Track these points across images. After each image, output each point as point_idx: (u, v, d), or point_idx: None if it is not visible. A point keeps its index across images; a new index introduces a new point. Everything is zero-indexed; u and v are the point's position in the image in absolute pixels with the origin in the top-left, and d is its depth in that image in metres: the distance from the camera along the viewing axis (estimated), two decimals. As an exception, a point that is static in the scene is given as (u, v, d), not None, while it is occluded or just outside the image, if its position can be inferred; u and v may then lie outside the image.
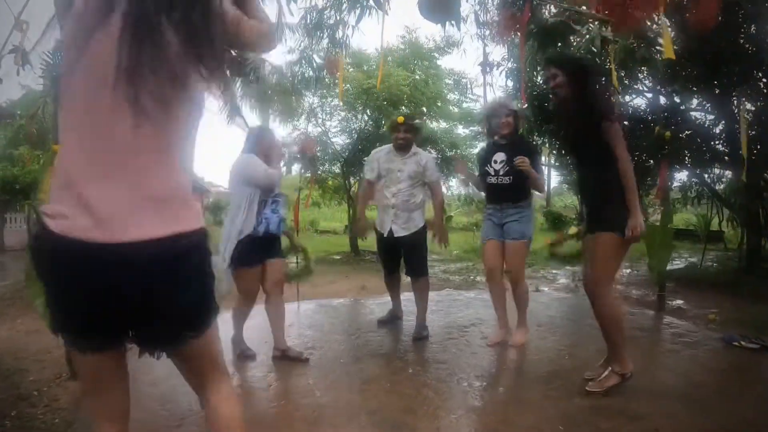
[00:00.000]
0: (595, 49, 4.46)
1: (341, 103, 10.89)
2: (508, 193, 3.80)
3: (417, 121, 4.12)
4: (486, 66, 6.32)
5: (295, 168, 6.86)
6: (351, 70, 11.43)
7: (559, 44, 4.93)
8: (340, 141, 12.27)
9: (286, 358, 3.56)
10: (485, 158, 3.94)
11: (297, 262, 3.96)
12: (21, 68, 3.40)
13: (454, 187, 15.06)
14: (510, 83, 7.58)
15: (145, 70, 1.07)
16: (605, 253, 2.80)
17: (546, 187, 13.93)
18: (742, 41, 5.85)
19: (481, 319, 4.73)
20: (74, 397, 2.96)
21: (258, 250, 3.41)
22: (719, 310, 5.23)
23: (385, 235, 4.21)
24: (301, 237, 15.96)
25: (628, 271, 9.29)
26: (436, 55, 11.90)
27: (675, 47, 3.49)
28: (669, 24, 3.47)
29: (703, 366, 3.52)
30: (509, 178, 3.76)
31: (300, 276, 4.03)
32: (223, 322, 3.55)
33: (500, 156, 3.82)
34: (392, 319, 4.56)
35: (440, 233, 4.26)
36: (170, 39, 1.10)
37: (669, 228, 5.08)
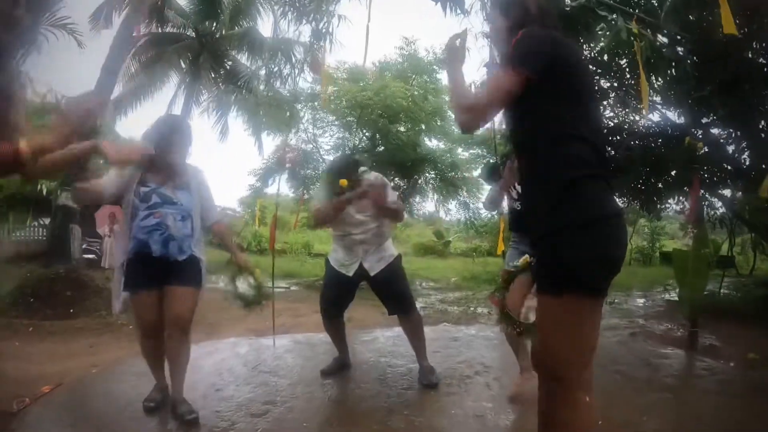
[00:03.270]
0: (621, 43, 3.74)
1: (325, 109, 10.27)
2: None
3: (361, 170, 3.53)
4: (493, 67, 5.61)
5: (273, 183, 6.15)
6: (346, 83, 10.90)
7: (581, 38, 4.26)
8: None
9: (174, 412, 2.79)
10: (508, 180, 3.23)
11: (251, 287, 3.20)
12: None
13: (453, 211, 14.45)
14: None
15: None
16: (568, 319, 1.58)
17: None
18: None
19: (486, 365, 3.87)
20: None
21: (152, 271, 2.74)
22: (756, 347, 4.56)
23: (350, 275, 3.48)
24: (292, 260, 15.49)
25: (643, 300, 8.59)
26: (437, 68, 11.30)
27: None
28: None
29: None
30: None
31: (249, 304, 3.25)
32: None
33: None
34: (339, 368, 3.73)
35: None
36: None
37: (704, 253, 4.33)
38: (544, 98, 1.56)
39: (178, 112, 15.04)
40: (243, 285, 3.19)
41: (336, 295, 3.58)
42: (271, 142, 12.80)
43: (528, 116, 1.62)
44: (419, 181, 12.53)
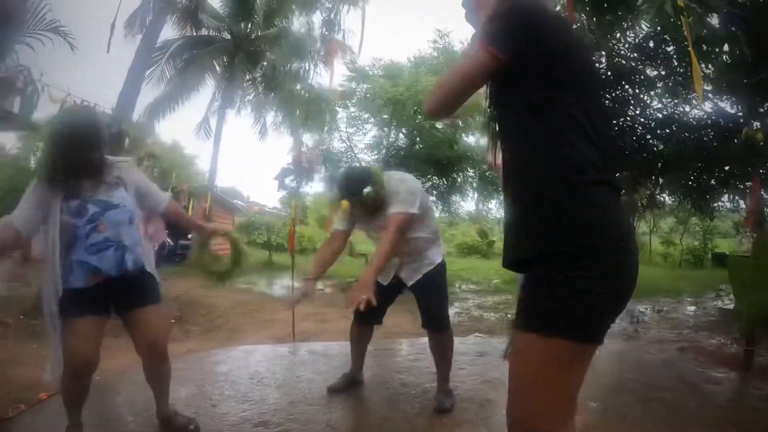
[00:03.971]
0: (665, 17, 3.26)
1: (337, 101, 10.05)
2: None
3: (366, 191, 2.84)
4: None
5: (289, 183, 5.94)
6: (381, 79, 10.70)
7: (619, 11, 3.81)
8: (368, 158, 11.46)
9: (170, 428, 2.61)
10: None
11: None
12: None
13: (493, 210, 14.03)
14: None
15: None
16: (545, 366, 1.24)
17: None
18: None
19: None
20: None
21: (101, 294, 2.30)
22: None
23: (385, 284, 3.09)
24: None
25: (693, 308, 7.95)
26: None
27: None
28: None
29: None
30: None
31: (223, 275, 2.98)
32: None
33: None
34: (348, 385, 3.39)
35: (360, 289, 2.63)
36: None
37: (766, 263, 3.78)
38: (529, 84, 1.25)
39: (215, 113, 15.23)
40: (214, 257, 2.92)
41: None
42: (309, 140, 12.75)
43: (510, 106, 1.31)
44: (458, 180, 12.18)
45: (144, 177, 2.61)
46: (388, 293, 3.07)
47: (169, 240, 2.72)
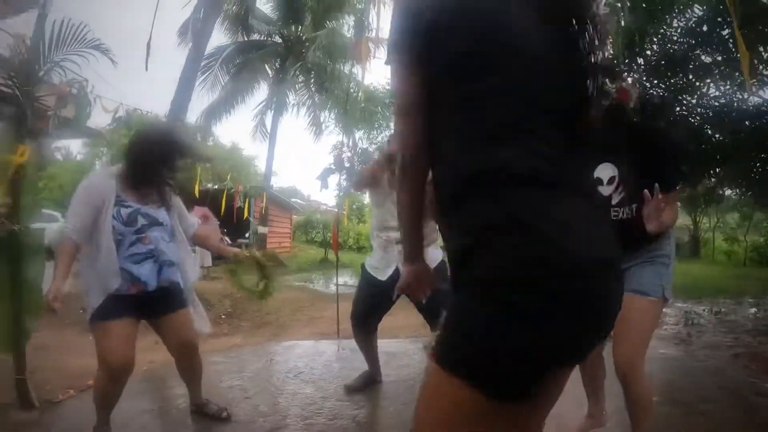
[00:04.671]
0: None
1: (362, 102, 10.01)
2: (631, 233, 1.92)
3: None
4: None
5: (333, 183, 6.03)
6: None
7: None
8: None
9: (202, 414, 2.82)
10: None
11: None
12: None
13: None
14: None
15: None
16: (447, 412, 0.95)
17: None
18: None
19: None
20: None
21: (130, 300, 2.39)
22: None
23: (384, 279, 3.13)
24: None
25: (755, 310, 7.43)
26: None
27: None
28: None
29: None
30: (629, 211, 2.04)
31: (260, 297, 3.11)
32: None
33: (607, 170, 2.09)
34: (367, 384, 3.44)
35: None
36: None
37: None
38: (446, 80, 0.99)
39: (270, 115, 15.67)
40: (250, 278, 3.04)
41: (369, 303, 3.25)
42: (364, 139, 12.88)
43: (435, 113, 1.03)
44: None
45: (180, 202, 2.74)
46: (386, 292, 2.81)
47: (227, 239, 2.85)
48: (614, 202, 2.05)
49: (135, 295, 2.38)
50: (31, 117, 3.01)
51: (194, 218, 2.83)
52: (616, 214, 2.05)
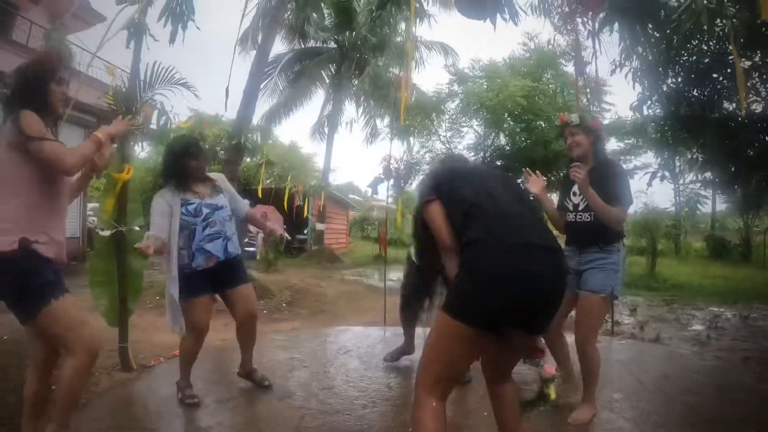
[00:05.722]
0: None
1: (402, 125, 10.46)
2: (589, 234, 2.98)
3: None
4: (582, 67, 5.39)
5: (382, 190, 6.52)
6: (478, 81, 11.02)
7: (650, 24, 3.89)
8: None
9: (249, 379, 3.41)
10: (564, 190, 3.24)
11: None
12: None
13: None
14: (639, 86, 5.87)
15: None
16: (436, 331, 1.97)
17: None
18: None
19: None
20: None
21: (207, 279, 3.12)
22: None
23: None
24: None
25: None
26: (563, 61, 10.88)
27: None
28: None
29: None
30: (590, 215, 2.97)
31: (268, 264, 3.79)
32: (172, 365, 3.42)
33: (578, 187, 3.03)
34: (402, 355, 4.08)
35: None
36: None
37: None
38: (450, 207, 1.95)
39: (326, 119, 16.43)
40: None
41: (413, 287, 3.68)
42: (416, 143, 13.33)
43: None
44: (553, 180, 12.22)
45: (231, 187, 3.43)
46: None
47: (287, 235, 3.31)
48: (581, 208, 3.03)
49: (210, 269, 3.06)
50: (132, 139, 3.82)
51: (245, 201, 3.47)
52: (581, 217, 3.04)
